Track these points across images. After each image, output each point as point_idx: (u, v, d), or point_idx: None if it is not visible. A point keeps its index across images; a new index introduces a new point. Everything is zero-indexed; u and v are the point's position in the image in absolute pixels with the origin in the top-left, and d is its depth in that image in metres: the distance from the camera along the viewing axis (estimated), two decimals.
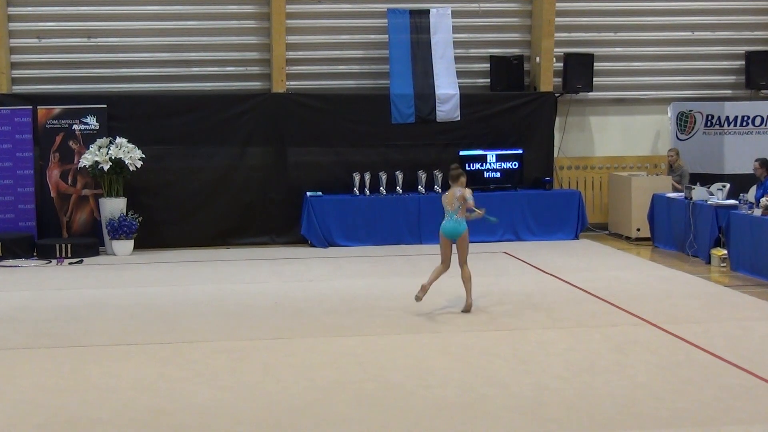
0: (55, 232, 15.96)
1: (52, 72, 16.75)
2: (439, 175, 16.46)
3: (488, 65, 17.34)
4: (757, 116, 17.46)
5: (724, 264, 13.82)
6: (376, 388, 8.16)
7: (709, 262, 14.18)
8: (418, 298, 10.83)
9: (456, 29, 17.01)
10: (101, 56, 16.79)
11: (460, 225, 10.83)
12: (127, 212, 15.63)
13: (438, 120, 16.88)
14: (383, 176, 16.55)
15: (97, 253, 15.51)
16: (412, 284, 12.59)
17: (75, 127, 16.01)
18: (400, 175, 16.53)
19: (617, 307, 11.22)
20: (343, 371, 8.69)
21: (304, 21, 17.11)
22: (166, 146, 16.34)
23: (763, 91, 18.05)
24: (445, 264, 10.95)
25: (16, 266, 14.70)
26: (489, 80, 17.39)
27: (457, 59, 17.03)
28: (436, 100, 16.84)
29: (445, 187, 16.09)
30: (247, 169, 16.60)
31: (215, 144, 16.51)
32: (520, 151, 16.99)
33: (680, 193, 15.57)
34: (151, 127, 16.22)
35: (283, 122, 16.64)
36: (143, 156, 15.68)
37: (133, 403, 7.83)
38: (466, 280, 10.90)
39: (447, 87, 16.88)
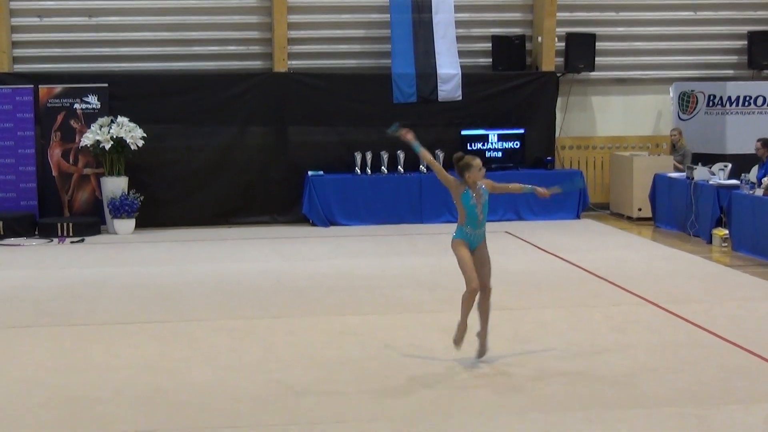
0: (56, 211, 15.96)
1: (53, 51, 16.69)
2: (441, 154, 16.42)
3: (490, 45, 17.27)
4: (759, 96, 17.39)
5: (726, 244, 13.81)
6: (377, 366, 8.18)
7: (710, 241, 14.17)
8: (458, 343, 8.26)
9: (458, 8, 16.93)
10: (102, 35, 16.73)
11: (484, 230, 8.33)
12: (128, 191, 15.61)
13: (440, 99, 16.82)
14: (384, 155, 16.51)
15: (98, 232, 15.51)
16: (414, 263, 12.65)
17: (76, 106, 15.98)
18: (401, 155, 16.49)
19: (618, 286, 11.22)
20: (344, 350, 8.70)
21: (305, 0, 17.05)
22: (167, 125, 16.29)
23: (765, 71, 17.98)
24: (476, 283, 8.07)
25: (17, 245, 14.70)
26: (491, 60, 17.32)
27: (459, 39, 16.96)
28: (438, 80, 16.78)
29: (447, 166, 16.12)
30: (248, 148, 16.56)
31: (216, 123, 16.46)
32: (522, 131, 16.96)
33: (682, 173, 15.55)
34: (152, 106, 16.16)
35: (284, 101, 16.59)
36: (144, 135, 15.64)
37: (134, 382, 7.84)
38: (485, 310, 8.24)
39: (449, 66, 16.82)
